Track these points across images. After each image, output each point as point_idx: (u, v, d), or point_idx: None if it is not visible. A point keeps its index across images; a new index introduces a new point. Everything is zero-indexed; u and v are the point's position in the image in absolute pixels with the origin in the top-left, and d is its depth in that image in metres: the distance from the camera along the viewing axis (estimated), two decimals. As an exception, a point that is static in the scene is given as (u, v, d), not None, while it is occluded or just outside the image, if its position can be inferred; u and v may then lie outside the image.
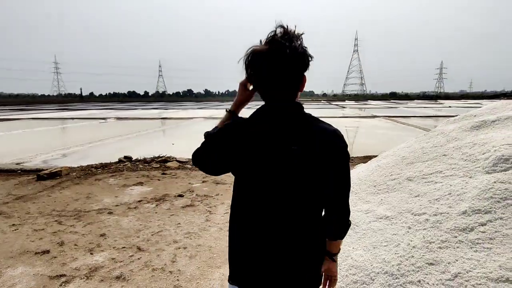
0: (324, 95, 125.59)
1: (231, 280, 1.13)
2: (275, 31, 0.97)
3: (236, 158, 1.04)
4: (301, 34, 0.98)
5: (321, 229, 1.09)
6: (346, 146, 1.06)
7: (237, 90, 1.14)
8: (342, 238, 1.10)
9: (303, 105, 1.12)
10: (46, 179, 5.44)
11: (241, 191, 1.09)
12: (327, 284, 1.15)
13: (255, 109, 1.07)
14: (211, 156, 1.08)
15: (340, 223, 1.10)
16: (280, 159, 0.99)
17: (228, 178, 5.38)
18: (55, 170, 5.65)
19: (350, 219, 1.09)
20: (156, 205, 4.13)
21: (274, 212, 1.03)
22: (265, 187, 1.02)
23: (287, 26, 0.97)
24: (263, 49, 0.97)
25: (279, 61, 0.97)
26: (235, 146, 1.03)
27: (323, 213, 1.09)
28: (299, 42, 0.98)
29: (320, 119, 1.11)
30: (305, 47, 0.99)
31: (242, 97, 1.12)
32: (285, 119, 1.02)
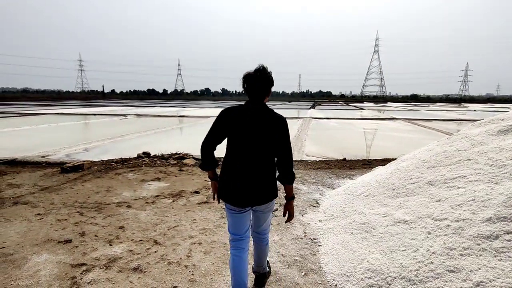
0: (342, 96, 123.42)
1: (225, 200, 2.02)
2: (260, 66, 1.96)
3: (232, 131, 1.95)
4: (270, 71, 1.99)
5: (275, 173, 2.03)
6: (287, 125, 1.98)
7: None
8: (291, 184, 2.07)
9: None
10: (69, 172, 5.64)
11: (233, 150, 1.97)
12: (287, 217, 2.20)
13: (242, 106, 1.98)
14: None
15: (287, 173, 2.02)
16: (257, 132, 1.93)
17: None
18: (77, 164, 5.85)
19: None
20: (173, 201, 4.21)
21: (251, 160, 1.94)
22: (249, 147, 1.94)
23: (265, 65, 1.97)
24: (254, 74, 1.95)
25: (262, 80, 1.95)
26: (232, 124, 1.95)
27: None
28: (270, 72, 1.99)
29: (275, 111, 1.99)
30: (271, 76, 2.00)
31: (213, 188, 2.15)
32: (260, 112, 1.96)
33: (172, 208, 3.96)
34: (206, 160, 2.04)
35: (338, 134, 13.39)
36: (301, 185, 4.97)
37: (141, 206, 4.01)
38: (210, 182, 2.86)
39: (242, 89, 1.97)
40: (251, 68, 2.00)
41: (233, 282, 2.06)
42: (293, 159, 7.42)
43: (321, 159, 7.49)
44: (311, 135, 12.44)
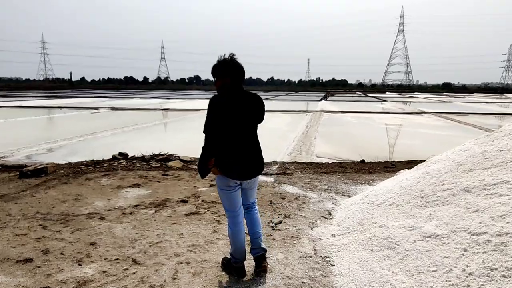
0: (360, 85, 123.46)
1: (233, 176, 2.66)
2: (232, 54, 2.65)
3: (229, 117, 2.57)
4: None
5: None
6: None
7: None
8: None
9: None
10: (29, 177, 5.64)
11: (231, 133, 2.59)
12: None
13: (227, 93, 2.60)
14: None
15: None
16: (250, 112, 2.66)
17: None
18: (40, 167, 5.85)
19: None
20: (155, 211, 4.21)
21: (250, 137, 2.70)
22: (246, 126, 2.66)
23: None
24: (235, 62, 2.62)
25: (241, 68, 2.65)
26: (229, 110, 2.57)
27: None
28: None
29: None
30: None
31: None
32: (245, 93, 2.66)
33: (155, 220, 3.96)
34: (207, 167, 2.65)
35: (355, 131, 13.44)
36: (310, 193, 4.98)
37: (117, 218, 4.02)
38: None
39: (218, 76, 2.60)
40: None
41: (235, 247, 2.80)
42: (301, 160, 7.44)
43: (335, 161, 7.51)
44: (322, 132, 12.50)
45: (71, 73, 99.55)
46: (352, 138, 11.77)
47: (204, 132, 2.60)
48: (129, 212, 4.19)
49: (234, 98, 2.60)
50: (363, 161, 7.14)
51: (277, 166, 6.67)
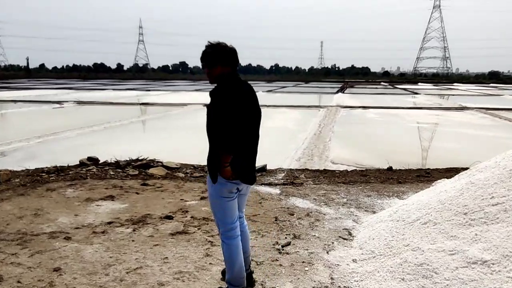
0: (385, 74, 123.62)
1: (245, 179, 2.84)
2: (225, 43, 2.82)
3: (245, 112, 2.74)
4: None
5: None
6: None
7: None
8: None
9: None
10: (-23, 187, 5.63)
11: (243, 129, 2.73)
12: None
13: (230, 82, 2.74)
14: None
15: None
16: (257, 106, 2.91)
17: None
18: (-10, 174, 5.85)
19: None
20: (133, 230, 4.21)
21: (257, 134, 2.91)
22: (256, 121, 2.88)
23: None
24: (230, 47, 2.80)
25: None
26: (245, 104, 2.76)
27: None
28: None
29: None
30: None
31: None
32: (249, 87, 2.88)
33: (133, 240, 3.96)
34: (222, 166, 2.72)
35: (380, 131, 13.48)
36: (325, 208, 4.99)
37: (86, 238, 4.02)
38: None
39: (229, 64, 2.75)
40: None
41: (234, 270, 2.89)
42: (313, 167, 7.46)
43: (355, 168, 7.53)
44: (339, 133, 12.53)
45: (28, 59, 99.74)
46: (376, 139, 11.79)
47: (214, 130, 2.68)
48: (101, 230, 4.19)
49: (243, 90, 2.77)
50: (390, 168, 7.15)
51: (283, 174, 6.68)
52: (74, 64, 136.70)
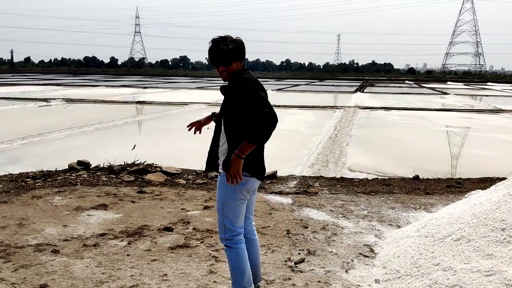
0: (410, 71, 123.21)
1: (256, 175, 2.95)
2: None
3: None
4: None
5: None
6: None
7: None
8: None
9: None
10: (-45, 192, 5.67)
11: None
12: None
13: (247, 75, 2.88)
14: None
15: None
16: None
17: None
18: (-30, 179, 5.88)
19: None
20: (129, 243, 4.20)
21: None
22: None
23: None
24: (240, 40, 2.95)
25: None
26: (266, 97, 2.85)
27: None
28: None
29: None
30: None
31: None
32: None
33: (128, 255, 3.94)
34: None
35: (404, 135, 13.42)
36: (344, 220, 4.96)
37: (76, 251, 4.01)
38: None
39: (243, 58, 2.92)
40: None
41: (246, 280, 2.94)
42: (329, 175, 7.44)
43: (376, 176, 7.48)
44: (358, 137, 12.50)
45: (12, 52, 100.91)
46: (400, 145, 11.74)
47: (242, 124, 2.77)
48: (92, 243, 4.18)
49: (260, 83, 2.94)
50: (416, 177, 7.10)
51: (295, 182, 6.66)
52: (63, 58, 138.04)
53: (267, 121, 2.65)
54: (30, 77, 55.63)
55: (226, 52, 2.80)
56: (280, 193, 6.02)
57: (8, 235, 4.35)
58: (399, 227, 4.73)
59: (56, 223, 4.72)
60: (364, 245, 4.25)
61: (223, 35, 2.87)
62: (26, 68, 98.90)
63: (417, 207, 5.52)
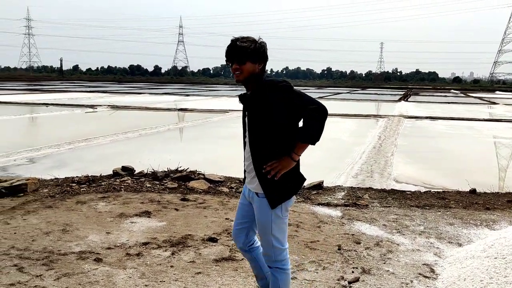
0: (456, 80, 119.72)
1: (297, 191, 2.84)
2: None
3: None
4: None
5: None
6: None
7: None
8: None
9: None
10: (4, 196, 5.71)
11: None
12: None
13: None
14: None
15: None
16: None
17: (296, 218, 5.16)
18: (17, 183, 5.92)
19: None
20: (172, 254, 4.05)
21: None
22: None
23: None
24: None
25: None
26: None
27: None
28: None
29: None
30: None
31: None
32: None
33: (171, 266, 3.79)
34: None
35: (452, 146, 12.90)
36: (399, 236, 4.62)
37: (119, 260, 3.89)
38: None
39: (262, 60, 2.68)
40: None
41: None
42: (373, 185, 7.23)
43: (429, 189, 7.09)
44: (403, 147, 12.09)
45: (61, 60, 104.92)
46: (448, 156, 11.27)
47: (314, 102, 2.58)
48: (135, 252, 4.06)
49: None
50: (473, 191, 6.63)
51: (343, 193, 6.34)
52: (109, 66, 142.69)
53: (323, 115, 2.52)
54: (78, 84, 57.64)
55: (241, 49, 2.59)
56: (328, 204, 5.72)
57: (52, 241, 4.28)
58: (460, 245, 4.36)
59: (100, 230, 4.63)
60: (423, 264, 3.91)
61: (245, 36, 2.70)
62: (74, 76, 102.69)
63: (478, 223, 5.10)
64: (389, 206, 5.72)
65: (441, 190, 6.78)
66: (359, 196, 6.15)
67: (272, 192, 2.61)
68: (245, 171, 2.84)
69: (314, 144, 2.59)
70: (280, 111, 2.54)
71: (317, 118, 2.51)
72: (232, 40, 2.65)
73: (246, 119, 2.70)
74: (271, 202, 2.62)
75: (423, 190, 6.90)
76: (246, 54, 2.59)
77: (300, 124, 2.61)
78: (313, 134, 2.52)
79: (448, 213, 5.49)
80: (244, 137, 2.76)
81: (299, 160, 2.67)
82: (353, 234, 4.61)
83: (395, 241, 4.47)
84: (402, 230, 4.79)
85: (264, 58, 2.67)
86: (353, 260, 3.96)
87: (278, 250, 2.72)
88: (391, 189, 6.81)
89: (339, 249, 4.19)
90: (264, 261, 2.88)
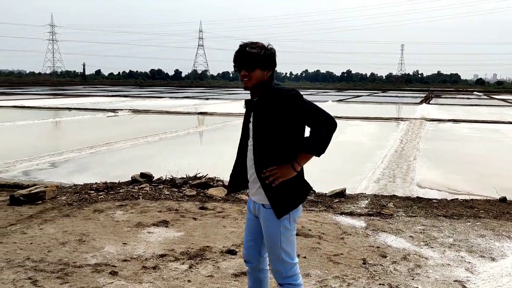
0: (479, 81, 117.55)
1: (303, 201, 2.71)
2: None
3: None
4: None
5: None
6: None
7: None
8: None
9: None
10: (22, 204, 5.66)
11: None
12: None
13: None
14: None
15: None
16: None
17: (318, 229, 4.97)
18: (36, 190, 5.87)
19: None
20: (190, 267, 3.90)
21: None
22: None
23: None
24: None
25: None
26: None
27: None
28: None
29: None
30: None
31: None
32: None
33: (189, 281, 3.64)
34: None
35: (477, 150, 12.54)
36: (427, 249, 4.38)
37: (135, 273, 3.75)
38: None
39: (271, 67, 2.56)
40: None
41: None
42: (396, 191, 7.13)
43: (454, 195, 6.81)
44: (426, 151, 11.77)
45: (84, 65, 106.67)
46: (473, 160, 10.95)
47: (323, 114, 2.49)
48: (152, 265, 3.92)
49: None
50: (503, 199, 6.31)
51: (367, 201, 6.11)
52: (130, 70, 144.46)
53: (331, 127, 2.43)
54: (100, 89, 58.24)
55: (251, 56, 2.47)
56: (351, 214, 5.48)
57: (68, 252, 4.18)
58: (493, 259, 4.09)
59: (116, 240, 4.51)
60: (454, 280, 3.67)
61: (254, 41, 2.58)
62: (97, 81, 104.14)
63: (511, 235, 4.81)
64: (415, 216, 5.46)
65: (469, 198, 6.46)
66: (383, 205, 5.90)
67: (278, 201, 2.47)
68: (232, 177, 2.76)
69: (318, 156, 2.47)
70: (289, 118, 2.45)
71: (325, 130, 2.42)
72: (240, 46, 2.52)
73: (251, 125, 2.60)
74: (277, 212, 2.48)
75: (448, 196, 6.66)
76: (255, 61, 2.48)
77: (307, 134, 2.49)
78: (319, 145, 2.43)
79: (478, 223, 5.20)
80: (242, 143, 2.70)
81: (302, 169, 2.56)
82: (378, 247, 4.38)
83: (423, 254, 4.23)
84: (430, 243, 4.54)
85: (273, 65, 2.58)
86: (379, 276, 3.74)
87: (288, 264, 2.57)
88: (417, 197, 6.53)
89: (364, 263, 3.97)
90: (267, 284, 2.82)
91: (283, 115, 2.44)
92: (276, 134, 2.46)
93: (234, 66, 2.57)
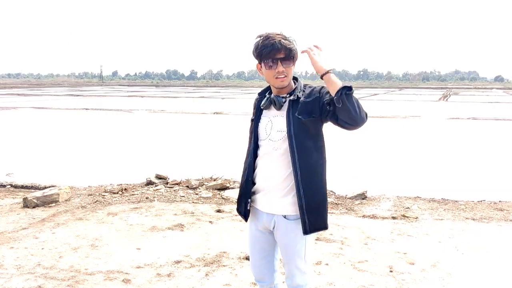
0: (499, 79, 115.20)
1: None
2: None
3: None
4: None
5: None
6: None
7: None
8: None
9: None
10: (36, 206, 5.58)
11: None
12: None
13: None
14: None
15: None
16: None
17: (340, 233, 4.73)
18: (49, 193, 5.77)
19: None
20: (206, 274, 3.70)
21: None
22: None
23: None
24: None
25: None
26: None
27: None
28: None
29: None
30: None
31: None
32: None
33: (205, 290, 3.44)
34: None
35: (500, 149, 12.03)
36: (457, 255, 4.09)
37: (148, 281, 3.58)
38: None
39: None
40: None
41: None
42: (417, 194, 6.63)
43: (483, 198, 6.48)
44: (445, 149, 11.45)
45: (101, 66, 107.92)
46: (497, 159, 10.51)
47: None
48: (166, 272, 3.73)
49: None
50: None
51: (390, 203, 5.83)
52: (147, 71, 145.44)
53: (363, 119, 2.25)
54: (117, 89, 58.69)
55: (289, 51, 2.20)
56: (374, 217, 5.21)
57: (80, 258, 4.02)
58: (530, 267, 3.80)
59: (130, 245, 4.34)
60: (489, 291, 3.40)
61: (278, 32, 2.26)
62: (114, 81, 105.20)
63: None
64: (441, 219, 5.16)
65: (497, 201, 6.13)
66: (407, 207, 5.61)
67: (313, 216, 2.25)
68: (243, 193, 2.44)
69: (345, 94, 2.12)
70: (325, 113, 2.20)
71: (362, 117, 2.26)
72: (270, 37, 2.20)
73: (280, 125, 2.29)
74: (310, 226, 2.24)
75: (479, 199, 6.30)
76: (293, 56, 2.22)
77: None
78: (356, 111, 2.21)
79: (508, 227, 4.89)
80: (254, 148, 2.40)
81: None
82: (405, 253, 4.11)
83: (453, 261, 3.95)
84: (461, 248, 4.25)
85: None
86: (408, 285, 3.48)
87: (308, 277, 2.40)
88: (442, 198, 6.20)
89: (390, 271, 3.72)
90: None
91: (318, 109, 2.22)
92: (316, 130, 2.27)
93: (263, 61, 2.24)
